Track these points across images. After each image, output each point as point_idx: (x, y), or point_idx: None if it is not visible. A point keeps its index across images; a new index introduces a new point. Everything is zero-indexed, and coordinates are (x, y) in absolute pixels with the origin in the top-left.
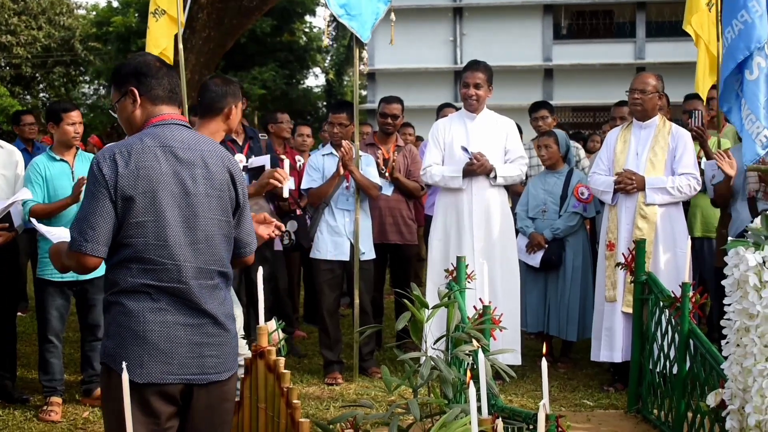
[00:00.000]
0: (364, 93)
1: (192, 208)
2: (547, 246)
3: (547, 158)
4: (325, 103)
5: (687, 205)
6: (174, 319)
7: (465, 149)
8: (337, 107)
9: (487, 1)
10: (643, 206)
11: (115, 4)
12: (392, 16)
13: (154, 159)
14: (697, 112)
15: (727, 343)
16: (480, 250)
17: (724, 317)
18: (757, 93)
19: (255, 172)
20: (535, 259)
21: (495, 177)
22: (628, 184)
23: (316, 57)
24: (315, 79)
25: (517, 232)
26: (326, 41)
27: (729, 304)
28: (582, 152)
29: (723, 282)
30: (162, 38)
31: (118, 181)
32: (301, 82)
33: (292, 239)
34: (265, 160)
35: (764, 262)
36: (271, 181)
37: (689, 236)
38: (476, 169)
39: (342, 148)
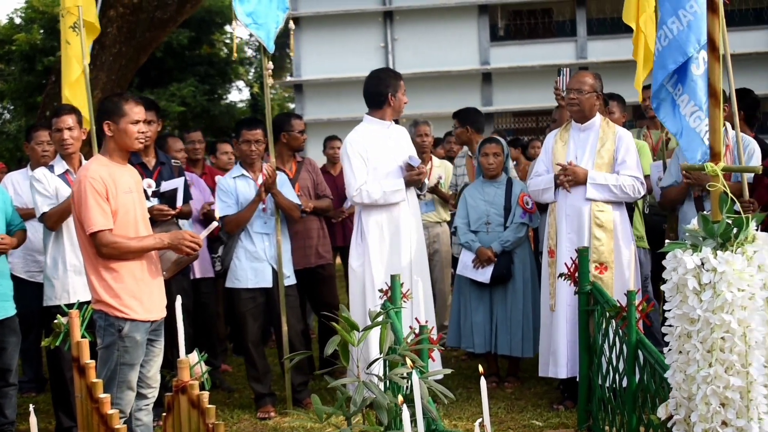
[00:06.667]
0: (292, 106)
1: None
2: (496, 260)
3: (495, 167)
4: (260, 119)
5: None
6: None
7: (412, 158)
8: (251, 123)
9: (418, 3)
10: (598, 214)
11: (18, 20)
12: (291, 24)
13: None
14: (565, 69)
15: (670, 350)
16: (414, 266)
17: (665, 323)
18: (703, 89)
19: (168, 196)
20: (485, 275)
21: (421, 188)
22: (568, 176)
23: (238, 70)
24: (239, 94)
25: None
26: (237, 54)
27: (669, 310)
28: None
29: (662, 287)
30: (81, 55)
31: None
32: (224, 97)
33: (225, 265)
34: (178, 183)
35: (703, 264)
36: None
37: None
38: (422, 177)
39: (263, 172)
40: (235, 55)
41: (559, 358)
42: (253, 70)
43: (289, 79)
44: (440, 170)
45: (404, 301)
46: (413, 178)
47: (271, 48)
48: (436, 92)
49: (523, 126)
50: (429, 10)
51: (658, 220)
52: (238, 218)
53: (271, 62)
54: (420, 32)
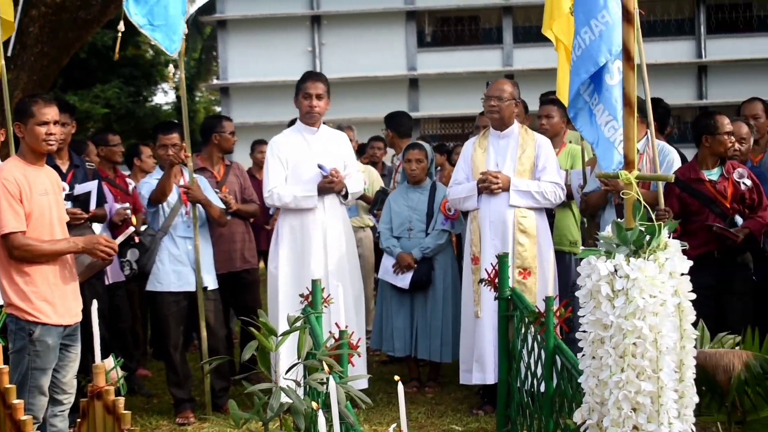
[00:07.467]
0: (218, 109)
1: None
2: (416, 266)
3: (418, 173)
4: (177, 122)
5: (551, 218)
6: None
7: (321, 167)
8: (167, 127)
9: (346, 8)
10: (521, 220)
11: None
12: (185, 29)
13: None
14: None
15: (583, 355)
16: (334, 272)
17: (579, 329)
18: (618, 98)
19: (81, 200)
20: (405, 281)
21: (345, 195)
22: (493, 183)
23: (164, 72)
24: (164, 96)
25: (379, 251)
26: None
27: (583, 316)
28: None
29: (577, 293)
30: None
31: None
32: (149, 99)
33: (134, 268)
34: (91, 186)
35: (616, 271)
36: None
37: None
38: (335, 186)
39: (188, 190)
40: (117, 56)
41: (486, 364)
42: (178, 73)
43: (215, 82)
44: (364, 175)
45: (325, 306)
46: (324, 186)
47: (171, 51)
48: (363, 97)
49: (450, 132)
50: (357, 15)
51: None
52: (159, 187)
53: (172, 65)
54: (348, 37)
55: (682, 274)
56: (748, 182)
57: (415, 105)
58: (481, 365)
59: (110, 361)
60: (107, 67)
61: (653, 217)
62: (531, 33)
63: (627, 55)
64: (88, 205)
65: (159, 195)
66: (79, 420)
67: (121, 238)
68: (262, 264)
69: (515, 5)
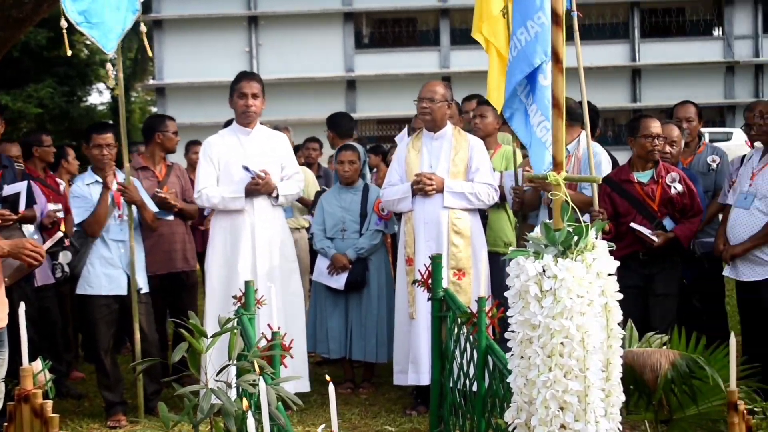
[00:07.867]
0: (154, 109)
1: None
2: (351, 267)
3: (350, 174)
4: (111, 122)
5: (485, 219)
6: None
7: (246, 168)
8: (101, 127)
9: (284, 8)
10: (455, 221)
11: None
12: (142, 26)
13: None
14: None
15: (512, 355)
16: (264, 274)
17: (509, 329)
18: (550, 99)
19: (10, 201)
20: (340, 282)
21: (277, 196)
22: (428, 185)
23: (99, 72)
24: (99, 96)
25: (314, 252)
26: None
27: (512, 316)
28: None
29: (506, 293)
30: None
31: None
32: (84, 99)
33: (66, 271)
34: (21, 187)
35: (544, 271)
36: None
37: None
38: (261, 188)
39: (125, 189)
40: (69, 52)
41: (422, 365)
42: (116, 72)
43: (151, 82)
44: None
45: (258, 307)
46: (251, 187)
47: (108, 49)
48: (300, 98)
49: (387, 133)
50: (294, 16)
51: None
52: (95, 217)
53: (109, 64)
54: (285, 38)
55: (609, 275)
56: (679, 187)
57: (353, 106)
58: (416, 366)
59: (38, 364)
60: (41, 67)
61: (580, 218)
62: (468, 35)
63: (556, 57)
64: (17, 206)
65: (95, 227)
66: (6, 424)
67: (49, 244)
68: (198, 266)
69: (452, 8)
